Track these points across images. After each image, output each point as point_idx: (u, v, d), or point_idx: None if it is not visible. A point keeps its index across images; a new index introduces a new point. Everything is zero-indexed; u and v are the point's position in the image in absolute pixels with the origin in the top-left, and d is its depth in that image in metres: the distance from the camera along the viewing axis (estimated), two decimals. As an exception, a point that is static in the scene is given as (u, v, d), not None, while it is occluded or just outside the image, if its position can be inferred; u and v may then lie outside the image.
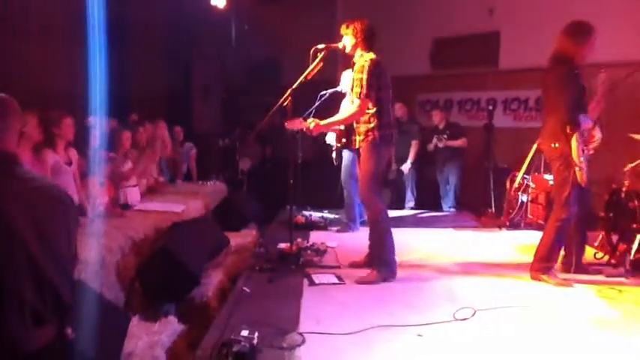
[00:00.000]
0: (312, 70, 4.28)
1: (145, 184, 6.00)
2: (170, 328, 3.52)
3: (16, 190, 1.82)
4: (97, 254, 3.71)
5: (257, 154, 8.54)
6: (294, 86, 4.28)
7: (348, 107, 4.22)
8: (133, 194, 5.51)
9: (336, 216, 6.54)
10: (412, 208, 7.81)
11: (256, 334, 2.98)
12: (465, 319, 3.42)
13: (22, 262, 1.77)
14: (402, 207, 7.84)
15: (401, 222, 6.55)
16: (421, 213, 7.43)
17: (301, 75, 4.30)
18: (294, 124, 4.29)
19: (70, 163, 4.56)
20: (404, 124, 7.95)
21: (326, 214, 6.67)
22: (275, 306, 3.66)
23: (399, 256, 4.52)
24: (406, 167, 7.87)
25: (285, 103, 4.32)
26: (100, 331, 2.81)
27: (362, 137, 4.17)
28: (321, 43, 4.30)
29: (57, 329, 1.93)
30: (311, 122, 4.26)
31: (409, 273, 4.40)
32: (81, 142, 5.13)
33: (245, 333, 2.98)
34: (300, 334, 3.16)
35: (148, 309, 3.91)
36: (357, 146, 4.25)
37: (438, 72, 9.40)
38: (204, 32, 8.83)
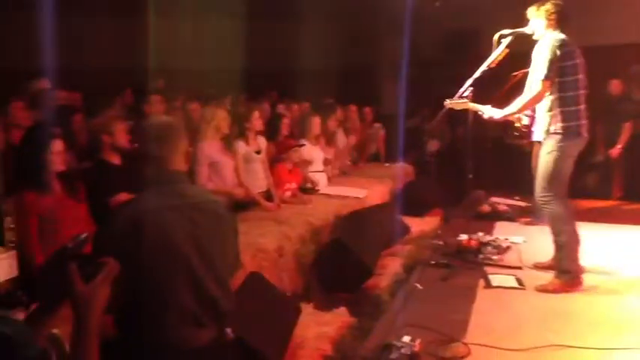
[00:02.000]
0: (497, 57, 3.98)
1: (332, 169, 6.19)
2: (340, 320, 3.64)
3: (181, 207, 2.01)
4: (276, 242, 3.94)
5: (446, 135, 8.30)
6: (475, 75, 4.03)
7: (525, 93, 3.82)
8: (319, 179, 5.73)
9: (528, 204, 6.08)
10: (619, 199, 6.94)
11: (418, 340, 2.94)
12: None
13: (183, 273, 1.96)
14: (608, 197, 7.01)
15: (604, 215, 5.88)
16: (629, 205, 6.57)
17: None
18: (458, 104, 4.05)
19: (259, 152, 4.89)
20: (615, 102, 7.07)
21: (517, 202, 6.25)
22: (445, 308, 3.57)
23: (593, 261, 4.07)
24: (615, 151, 6.99)
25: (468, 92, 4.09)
26: (269, 323, 3.01)
27: (542, 128, 3.78)
28: (523, 10, 3.93)
29: (217, 330, 2.11)
30: (486, 109, 3.97)
31: (600, 283, 3.92)
32: (271, 128, 5.46)
33: (407, 339, 2.96)
34: (466, 344, 3.03)
35: (323, 298, 4.08)
36: (537, 138, 3.88)
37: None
38: (393, 4, 8.70)
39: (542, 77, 3.64)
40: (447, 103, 4.05)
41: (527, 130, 4.98)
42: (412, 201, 6.20)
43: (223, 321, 2.14)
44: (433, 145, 7.82)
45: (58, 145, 3.10)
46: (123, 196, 3.19)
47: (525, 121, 4.07)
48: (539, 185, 3.82)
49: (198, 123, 4.48)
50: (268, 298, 3.19)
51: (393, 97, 8.46)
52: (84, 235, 1.41)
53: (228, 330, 2.23)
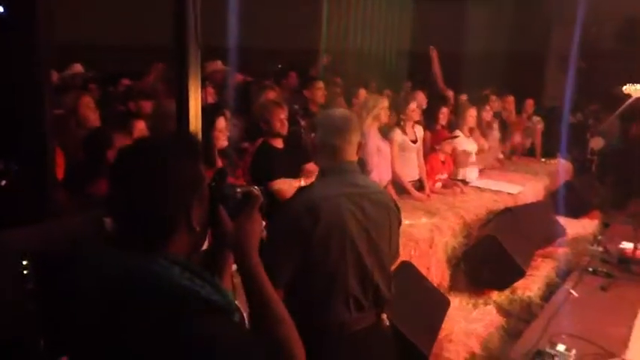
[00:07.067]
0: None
1: (484, 161, 6.04)
2: (488, 317, 3.61)
3: (353, 196, 2.12)
4: (427, 233, 3.98)
5: (614, 132, 7.65)
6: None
7: None
8: (470, 171, 5.63)
9: None
10: None
11: (573, 351, 2.83)
12: None
13: (351, 259, 2.07)
14: None
15: None
16: None
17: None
18: None
19: (415, 141, 4.91)
20: None
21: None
22: (602, 319, 3.35)
23: None
24: None
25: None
26: (419, 313, 3.08)
27: None
28: None
29: (376, 316, 2.21)
30: None
31: None
32: (429, 117, 5.45)
33: (561, 348, 2.86)
34: (627, 362, 2.86)
35: (470, 292, 4.05)
36: None
37: None
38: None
39: None
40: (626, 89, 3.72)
41: None
42: (569, 201, 5.88)
43: (382, 307, 2.24)
44: (596, 143, 7.28)
45: (221, 123, 3.30)
46: (281, 183, 3.27)
47: None
48: None
49: (359, 110, 4.56)
50: (419, 288, 3.25)
51: (557, 89, 8.00)
52: (221, 170, 1.36)
53: (384, 316, 2.32)
